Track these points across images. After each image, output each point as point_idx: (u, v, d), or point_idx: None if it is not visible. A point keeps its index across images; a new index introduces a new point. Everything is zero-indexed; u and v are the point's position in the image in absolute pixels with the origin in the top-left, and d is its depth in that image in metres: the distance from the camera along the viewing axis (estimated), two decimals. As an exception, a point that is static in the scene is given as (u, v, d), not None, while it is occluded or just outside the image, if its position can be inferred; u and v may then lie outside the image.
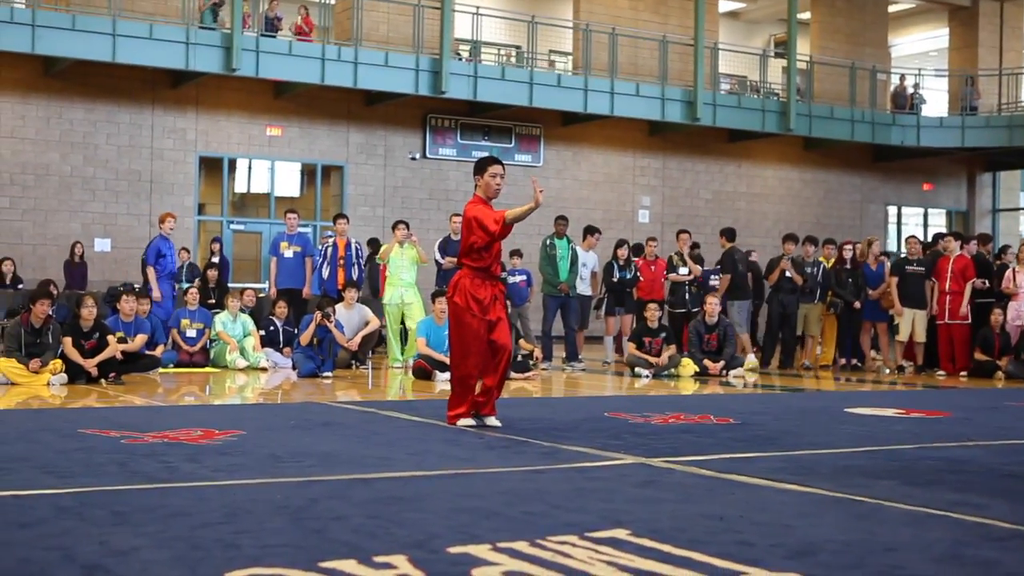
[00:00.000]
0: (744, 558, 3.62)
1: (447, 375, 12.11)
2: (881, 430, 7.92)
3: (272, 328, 14.35)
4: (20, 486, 4.87)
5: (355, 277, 14.91)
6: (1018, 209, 30.70)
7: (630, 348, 14.16)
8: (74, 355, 11.18)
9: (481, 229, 7.44)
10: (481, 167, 7.61)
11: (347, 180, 22.41)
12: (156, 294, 14.24)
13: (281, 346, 14.20)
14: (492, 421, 7.50)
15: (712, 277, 15.70)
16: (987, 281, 15.31)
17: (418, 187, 22.98)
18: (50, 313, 11.42)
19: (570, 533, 3.97)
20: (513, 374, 12.78)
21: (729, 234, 16.05)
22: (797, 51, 25.35)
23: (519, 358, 13.18)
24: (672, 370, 13.93)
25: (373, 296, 16.54)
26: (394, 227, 14.84)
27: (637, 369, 13.79)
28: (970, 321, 15.02)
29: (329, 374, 12.58)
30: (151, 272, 14.48)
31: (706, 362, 13.96)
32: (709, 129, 24.99)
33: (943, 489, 5.19)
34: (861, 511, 4.59)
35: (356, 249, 15.18)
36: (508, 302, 13.25)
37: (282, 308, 14.53)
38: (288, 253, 15.27)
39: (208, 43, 19.54)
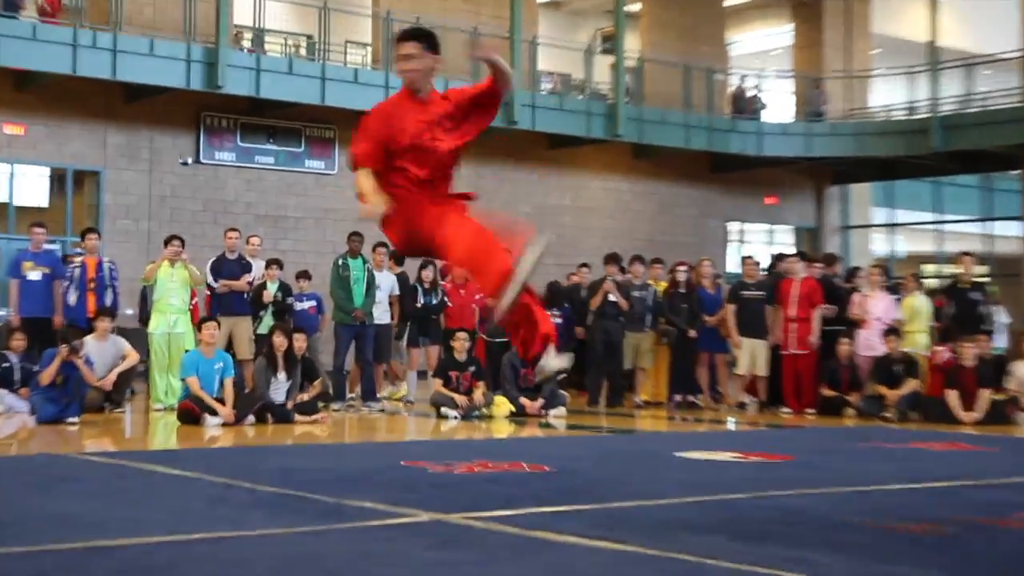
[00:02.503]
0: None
1: (217, 420, 11.95)
2: (713, 477, 8.08)
3: (6, 365, 13.81)
4: None
5: (109, 303, 14.56)
6: (869, 226, 31.91)
7: (435, 385, 14.14)
8: None
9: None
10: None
11: (104, 188, 21.83)
12: None
13: (17, 387, 13.68)
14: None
15: None
16: (835, 307, 15.79)
17: (190, 197, 22.55)
18: None
19: (345, 607, 3.91)
20: (298, 417, 12.65)
21: None
22: (625, 47, 25.88)
23: (305, 398, 13.04)
24: (484, 410, 13.96)
25: (144, 326, 16.20)
26: (166, 243, 14.58)
27: (444, 409, 13.77)
28: (818, 352, 15.48)
29: (75, 419, 12.18)
30: None
31: (523, 400, 14.05)
32: (528, 133, 25.25)
33: (775, 544, 5.28)
34: (680, 571, 4.64)
35: (110, 270, 14.84)
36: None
37: (19, 341, 13.99)
38: (33, 275, 14.78)
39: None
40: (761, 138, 27.62)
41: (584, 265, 18.03)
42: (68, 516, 5.91)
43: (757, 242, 30.30)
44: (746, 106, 28.20)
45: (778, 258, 17.59)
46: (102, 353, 13.49)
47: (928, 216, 32.44)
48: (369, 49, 25.64)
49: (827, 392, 15.22)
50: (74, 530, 5.48)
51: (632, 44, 27.78)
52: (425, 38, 5.97)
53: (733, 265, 28.44)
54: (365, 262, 15.34)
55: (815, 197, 30.81)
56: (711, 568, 4.71)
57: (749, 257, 17.23)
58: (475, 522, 5.82)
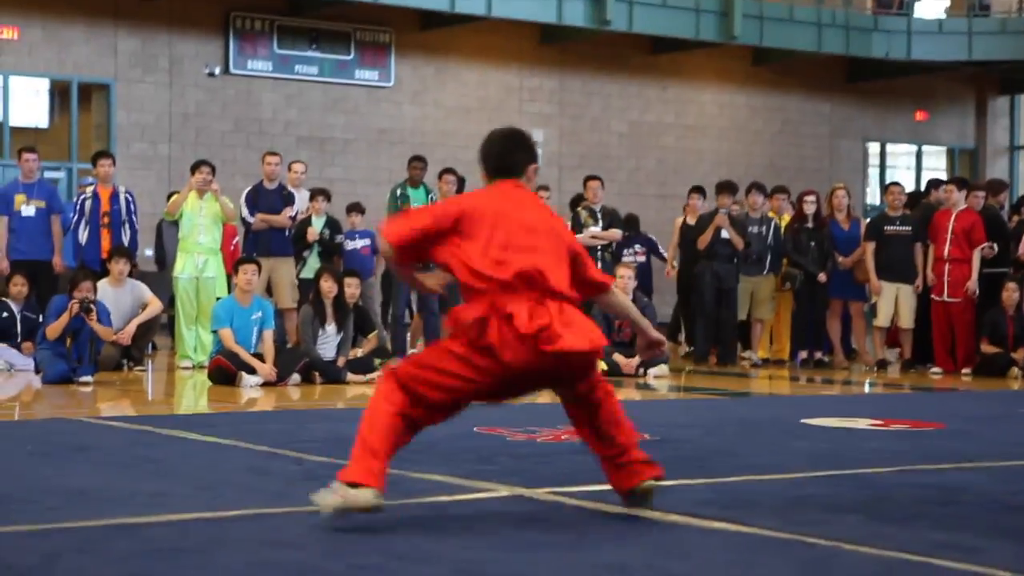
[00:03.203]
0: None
1: (256, 379, 12.11)
2: (849, 448, 8.09)
3: (6, 315, 14.10)
4: None
5: (126, 241, 14.72)
6: (1043, 146, 31.41)
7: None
8: None
9: None
10: None
11: (115, 104, 22.07)
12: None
13: (19, 340, 13.96)
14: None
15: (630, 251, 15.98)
16: (995, 245, 15.61)
17: (218, 115, 22.74)
18: None
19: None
20: (351, 376, 12.80)
21: None
22: (744, -72, 25.66)
23: (359, 354, 13.20)
24: (571, 369, 14.03)
25: (159, 268, 16.37)
26: (193, 169, 14.66)
27: (523, 369, 13.85)
28: (976, 300, 15.37)
29: (89, 379, 12.38)
30: None
31: (616, 357, 14.08)
32: (623, 36, 25.15)
33: (926, 527, 5.32)
34: (814, 557, 4.69)
35: (127, 202, 14.98)
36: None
37: (19, 287, 14.26)
38: (27, 210, 15.01)
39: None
40: (910, 38, 27.24)
41: (697, 189, 17.77)
42: (84, 490, 6.05)
43: (902, 167, 29.97)
44: (892, 1, 27.81)
45: (931, 185, 17.41)
46: (118, 301, 13.68)
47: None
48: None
49: (987, 348, 15.11)
50: (91, 506, 5.62)
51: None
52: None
53: (873, 195, 28.21)
54: (428, 192, 15.40)
55: (975, 111, 30.41)
56: (848, 554, 4.75)
57: (894, 184, 17.06)
58: (564, 498, 5.90)
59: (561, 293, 5.29)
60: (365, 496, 4.98)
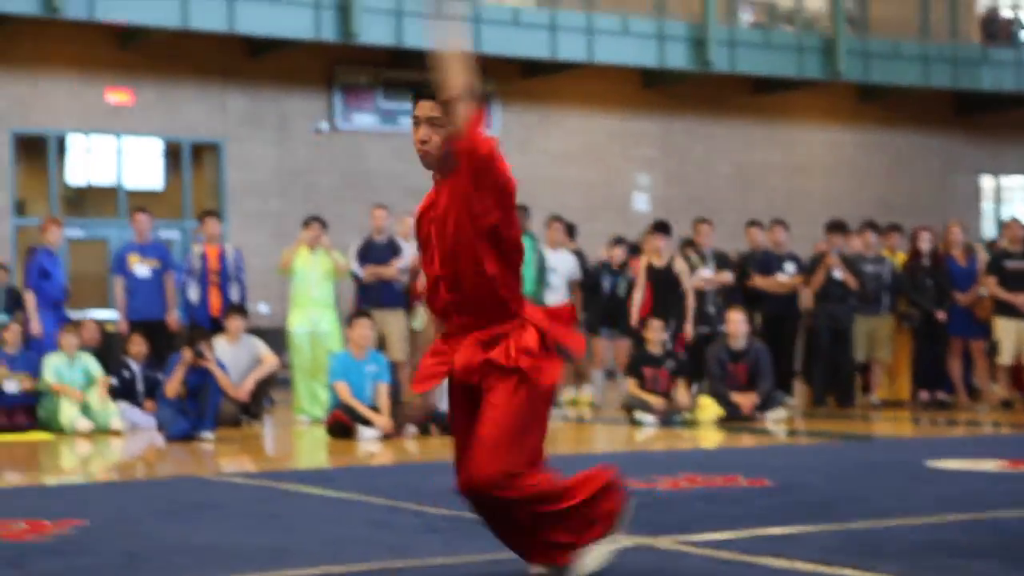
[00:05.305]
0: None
1: (374, 432, 12.18)
2: (976, 490, 7.98)
3: (127, 374, 14.26)
4: None
5: (235, 298, 14.89)
6: None
7: (629, 386, 14.22)
8: None
9: None
10: None
11: (226, 163, 22.37)
12: (35, 327, 14.54)
13: (141, 399, 14.14)
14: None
15: None
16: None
17: (327, 169, 22.98)
18: None
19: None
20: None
21: None
22: (847, -35, 25.61)
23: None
24: (687, 414, 13.99)
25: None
26: (305, 225, 14.80)
27: (637, 414, 13.84)
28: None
29: (209, 435, 12.55)
30: (30, 297, 14.86)
31: (735, 398, 14.01)
32: (726, 77, 25.14)
33: (1061, 569, 5.25)
34: (947, 603, 4.64)
35: (235, 259, 15.16)
36: None
37: (138, 346, 14.45)
38: (142, 270, 15.21)
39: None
40: (1021, 69, 26.98)
41: (659, 228, 15.65)
42: (210, 547, 6.14)
43: (1019, 200, 29.57)
44: (1000, 30, 27.57)
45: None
46: (235, 358, 13.87)
47: None
48: (532, -17, 25.79)
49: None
50: (218, 562, 5.72)
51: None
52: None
53: (989, 230, 27.86)
54: (535, 240, 15.46)
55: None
56: (984, 599, 4.70)
57: (1013, 220, 16.84)
58: (687, 547, 5.89)
59: None
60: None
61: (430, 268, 5.13)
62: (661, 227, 15.43)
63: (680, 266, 15.24)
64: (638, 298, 15.16)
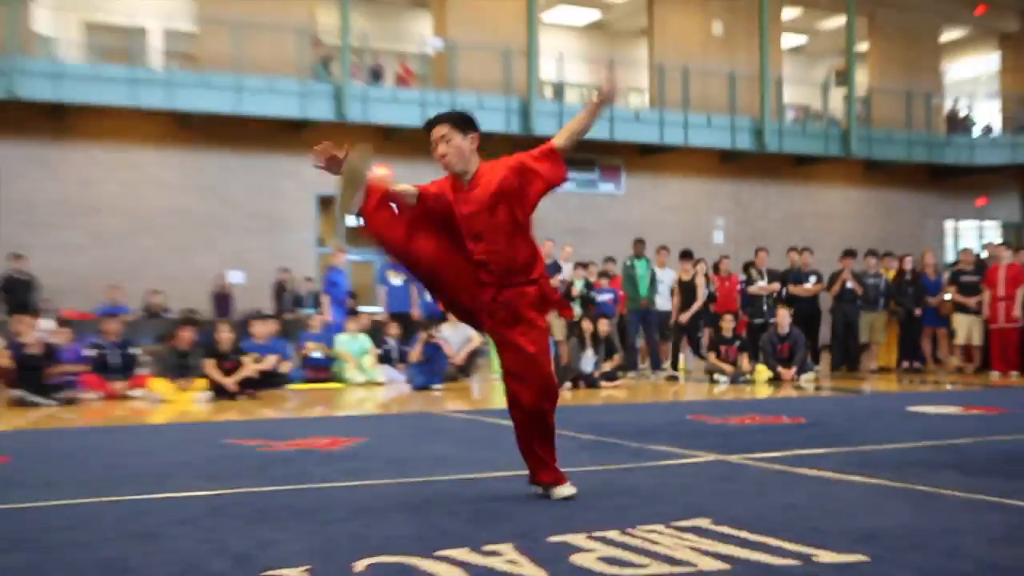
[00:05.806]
0: (814, 542, 3.67)
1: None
2: (941, 426, 7.85)
3: (387, 347, 14.57)
4: (177, 489, 5.10)
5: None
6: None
7: (709, 357, 14.18)
8: (215, 375, 11.51)
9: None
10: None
11: (449, 212, 22.56)
12: (327, 316, 15.00)
13: (395, 362, 14.42)
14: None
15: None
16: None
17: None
18: (195, 338, 11.78)
19: (657, 522, 4.05)
20: (602, 383, 12.88)
21: None
22: (856, 80, 25.06)
23: (607, 369, 13.28)
24: (748, 376, 13.88)
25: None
26: None
27: (716, 376, 13.78)
28: (1021, 324, 14.72)
29: (439, 386, 12.76)
30: (325, 299, 15.42)
31: (779, 368, 13.87)
32: (777, 155, 24.79)
33: (998, 478, 5.15)
34: (922, 499, 4.60)
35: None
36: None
37: (394, 329, 14.75)
38: (396, 281, 15.49)
39: (321, 93, 19.96)
40: (972, 149, 26.24)
41: (685, 255, 15.68)
42: (444, 457, 6.27)
43: (969, 237, 28.75)
44: (959, 123, 26.86)
45: (988, 247, 16.74)
46: (454, 336, 14.07)
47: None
48: (646, 93, 25.66)
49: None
50: (449, 467, 5.83)
51: (861, 77, 26.88)
52: (453, 120, 4.71)
53: (951, 255, 27.10)
54: (648, 262, 15.44)
55: (1020, 196, 29.01)
56: (947, 496, 4.66)
57: (966, 249, 16.45)
58: (750, 461, 5.89)
59: None
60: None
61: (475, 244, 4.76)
62: (686, 254, 15.55)
63: (698, 280, 15.30)
64: (676, 301, 15.27)
